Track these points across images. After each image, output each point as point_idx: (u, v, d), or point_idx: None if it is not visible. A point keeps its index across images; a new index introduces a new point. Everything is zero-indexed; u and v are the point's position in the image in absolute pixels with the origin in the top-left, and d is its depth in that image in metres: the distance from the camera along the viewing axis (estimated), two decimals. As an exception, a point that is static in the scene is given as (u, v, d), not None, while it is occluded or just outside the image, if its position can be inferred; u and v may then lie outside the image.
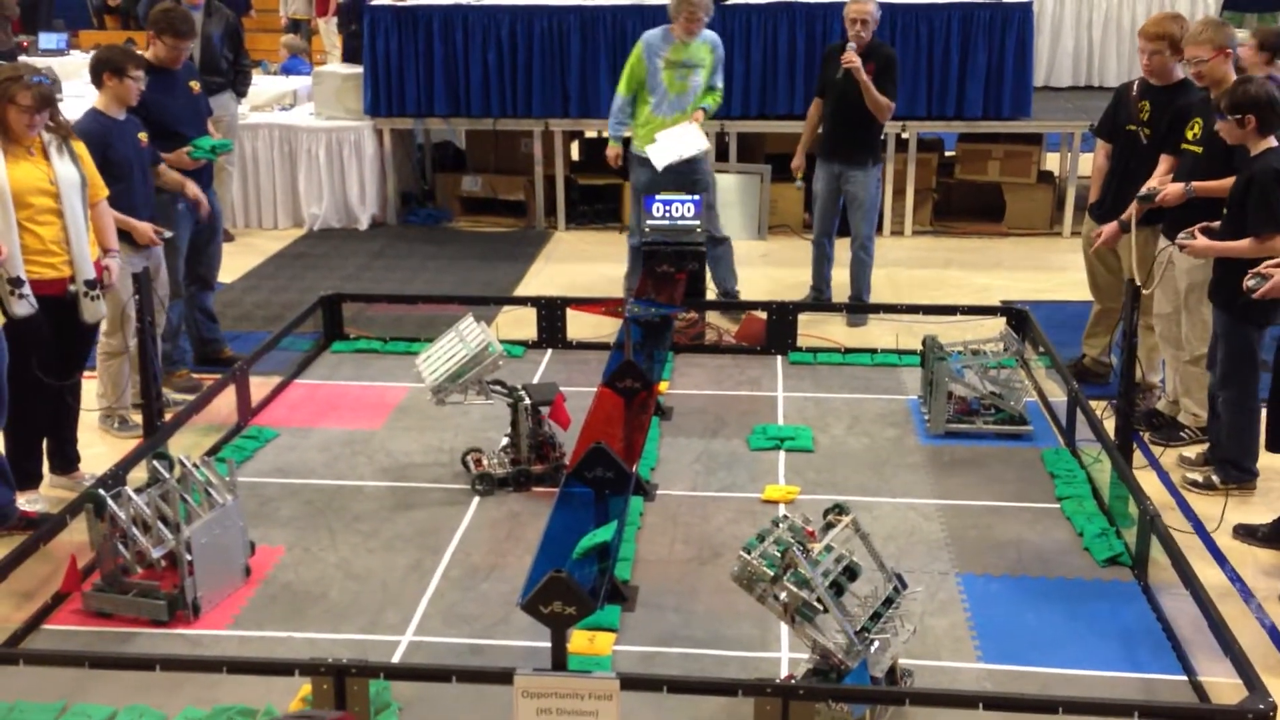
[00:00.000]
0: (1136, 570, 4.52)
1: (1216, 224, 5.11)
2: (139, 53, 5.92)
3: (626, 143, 7.47)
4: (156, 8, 6.28)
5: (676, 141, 7.06)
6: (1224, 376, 5.15)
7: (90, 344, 5.29)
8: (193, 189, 6.02)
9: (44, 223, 4.74)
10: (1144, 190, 5.55)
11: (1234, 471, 5.21)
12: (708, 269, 7.34)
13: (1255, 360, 5.13)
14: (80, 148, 4.98)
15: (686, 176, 7.15)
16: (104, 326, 5.60)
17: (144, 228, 5.59)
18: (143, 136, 5.71)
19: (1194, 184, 5.29)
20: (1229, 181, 5.09)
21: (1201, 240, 5.05)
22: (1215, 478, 5.26)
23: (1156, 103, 5.82)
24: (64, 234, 4.78)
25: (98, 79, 5.55)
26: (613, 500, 4.34)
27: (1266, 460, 5.11)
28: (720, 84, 7.33)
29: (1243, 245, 4.91)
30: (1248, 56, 6.99)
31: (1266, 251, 4.88)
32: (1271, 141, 4.92)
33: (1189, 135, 5.50)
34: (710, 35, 7.26)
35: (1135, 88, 6.00)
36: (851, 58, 6.96)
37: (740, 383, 6.43)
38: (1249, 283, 4.55)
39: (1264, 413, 4.90)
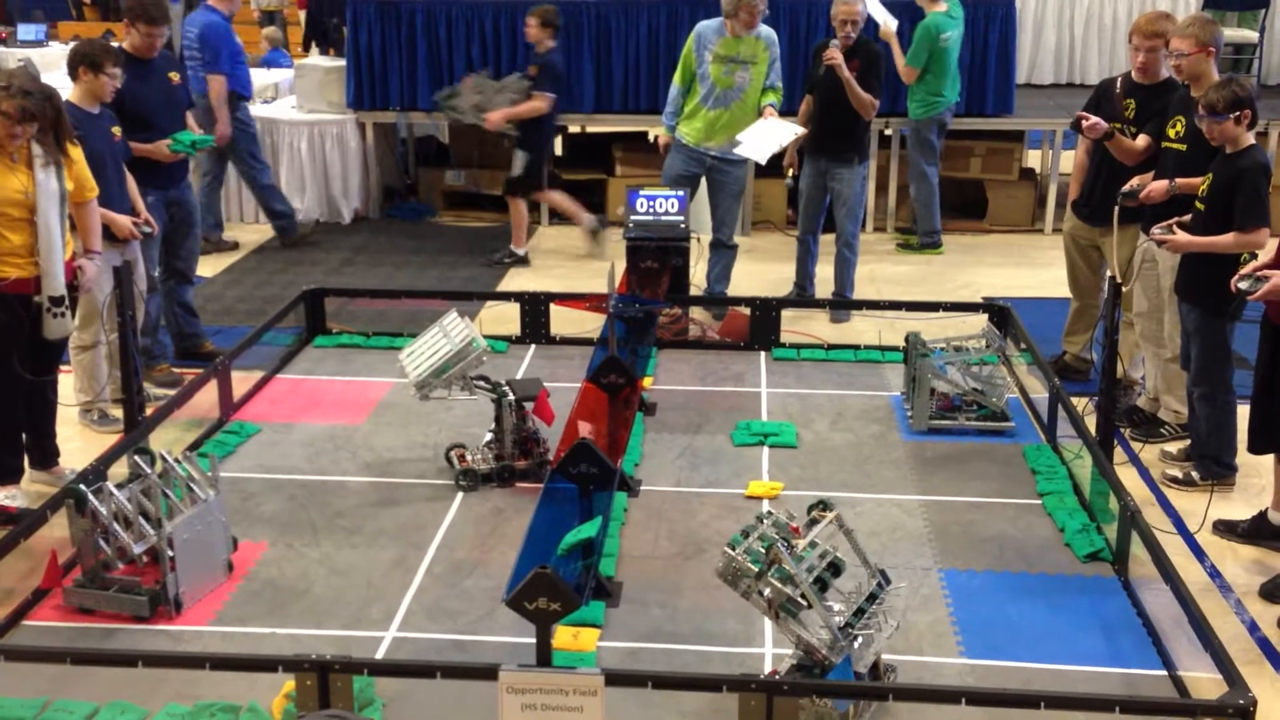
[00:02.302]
0: (1117, 566, 4.55)
1: (1188, 217, 5.14)
2: (117, 45, 5.86)
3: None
4: None
5: (766, 136, 6.92)
6: (1198, 372, 5.19)
7: (65, 341, 5.22)
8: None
9: (15, 229, 4.70)
10: (1126, 187, 5.57)
11: (1214, 467, 5.24)
12: (705, 271, 7.35)
13: (1229, 354, 5.16)
14: (75, 153, 4.92)
15: (718, 178, 7.16)
16: (75, 325, 5.55)
17: (123, 221, 5.54)
18: (116, 131, 5.65)
19: (1178, 181, 5.32)
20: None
21: (1182, 235, 5.07)
22: (1195, 474, 5.29)
23: (1142, 101, 5.84)
24: (34, 241, 4.73)
25: (73, 72, 5.49)
26: (597, 496, 4.35)
27: (1246, 456, 5.14)
28: (780, 83, 7.18)
29: (1226, 239, 4.94)
30: (531, 34, 7.94)
31: (1248, 245, 4.92)
32: (1250, 137, 4.97)
33: (1170, 133, 5.52)
34: (766, 32, 7.09)
35: (1119, 85, 6.01)
36: (833, 54, 6.97)
37: (724, 378, 6.44)
38: (1241, 285, 4.54)
39: (1245, 411, 4.93)
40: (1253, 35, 10.91)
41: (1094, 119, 5.81)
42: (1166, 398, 5.74)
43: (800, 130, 7.01)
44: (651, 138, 9.43)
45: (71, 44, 11.41)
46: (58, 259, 4.77)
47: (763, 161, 7.01)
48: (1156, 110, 5.70)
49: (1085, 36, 11.35)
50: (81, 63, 5.46)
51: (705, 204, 7.47)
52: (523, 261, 8.58)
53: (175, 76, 6.30)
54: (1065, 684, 3.87)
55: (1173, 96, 5.64)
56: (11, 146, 4.67)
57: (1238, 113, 4.88)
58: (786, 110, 7.76)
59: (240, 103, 8.60)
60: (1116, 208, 5.68)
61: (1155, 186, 5.39)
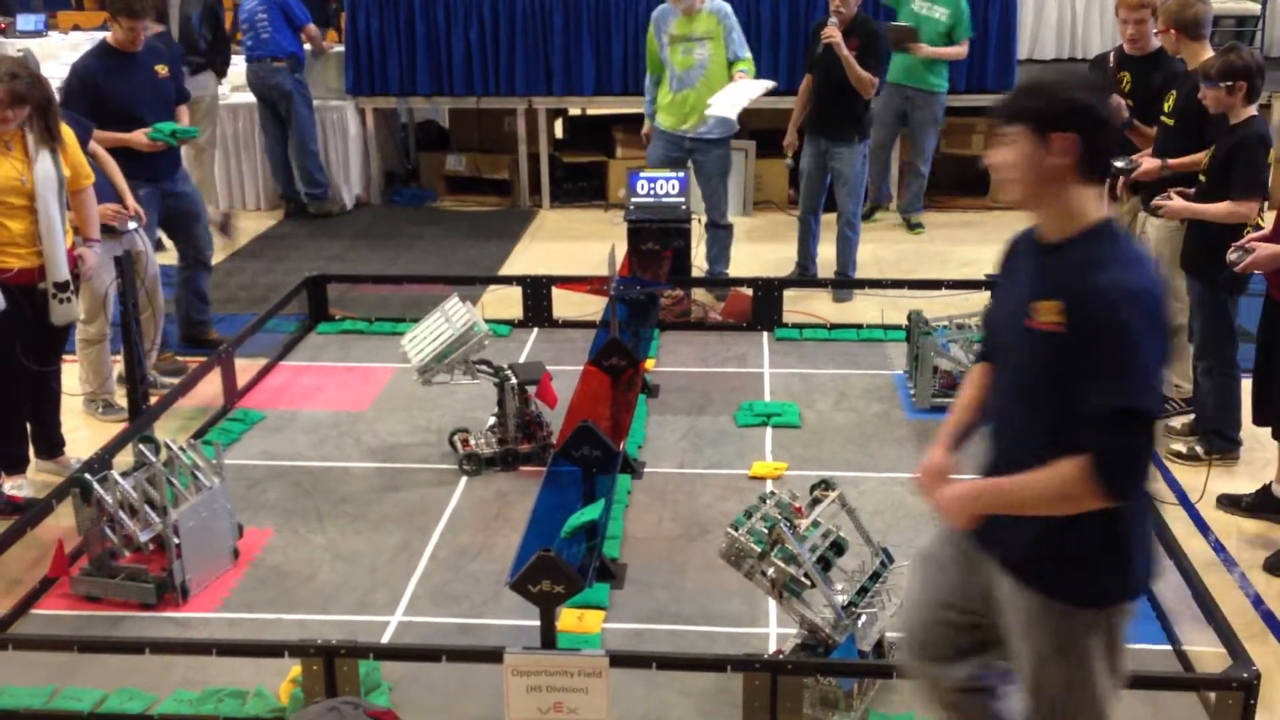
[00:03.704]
0: (1121, 541, 4.54)
1: (1191, 190, 5.13)
2: (103, 38, 5.82)
3: None
4: None
5: (735, 94, 6.78)
6: (1201, 345, 5.19)
7: (68, 330, 5.22)
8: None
9: (14, 217, 4.68)
10: (1121, 163, 5.53)
11: (1218, 441, 5.24)
12: (704, 252, 7.34)
13: (1232, 327, 5.15)
14: (69, 138, 4.91)
15: (701, 158, 7.13)
16: (82, 315, 5.55)
17: (103, 208, 5.34)
18: None
19: (1170, 162, 5.29)
20: (1200, 157, 5.11)
21: (1178, 201, 5.08)
22: (1199, 448, 5.29)
23: (1136, 74, 5.83)
24: (35, 229, 4.72)
25: None
26: (600, 478, 4.35)
27: (1250, 429, 5.14)
28: (746, 53, 7.06)
29: (1220, 208, 4.94)
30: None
31: (1240, 217, 4.91)
32: (1253, 109, 4.95)
33: (1165, 107, 5.49)
34: (718, 5, 7.02)
35: (1113, 59, 6.00)
36: (831, 32, 6.93)
37: (726, 359, 6.44)
38: (1231, 256, 4.56)
39: (1248, 384, 4.92)
40: (1255, 7, 10.85)
41: (1118, 102, 5.75)
42: (1167, 373, 5.72)
43: (769, 84, 6.88)
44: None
45: (71, 34, 11.44)
46: (59, 244, 4.76)
47: (732, 117, 6.88)
48: (1157, 85, 5.67)
49: (1087, 11, 11.29)
50: None
51: None
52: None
53: (162, 69, 6.23)
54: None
55: (1169, 69, 5.62)
56: (3, 131, 4.65)
57: (1230, 82, 4.86)
58: (785, 90, 7.75)
59: (300, 67, 9.05)
60: (1107, 180, 5.63)
61: (1149, 165, 5.37)
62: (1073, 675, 2.63)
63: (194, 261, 6.46)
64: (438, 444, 5.40)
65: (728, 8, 7.07)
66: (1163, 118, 5.50)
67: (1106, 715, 2.66)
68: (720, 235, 7.36)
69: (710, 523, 4.71)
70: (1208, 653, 3.79)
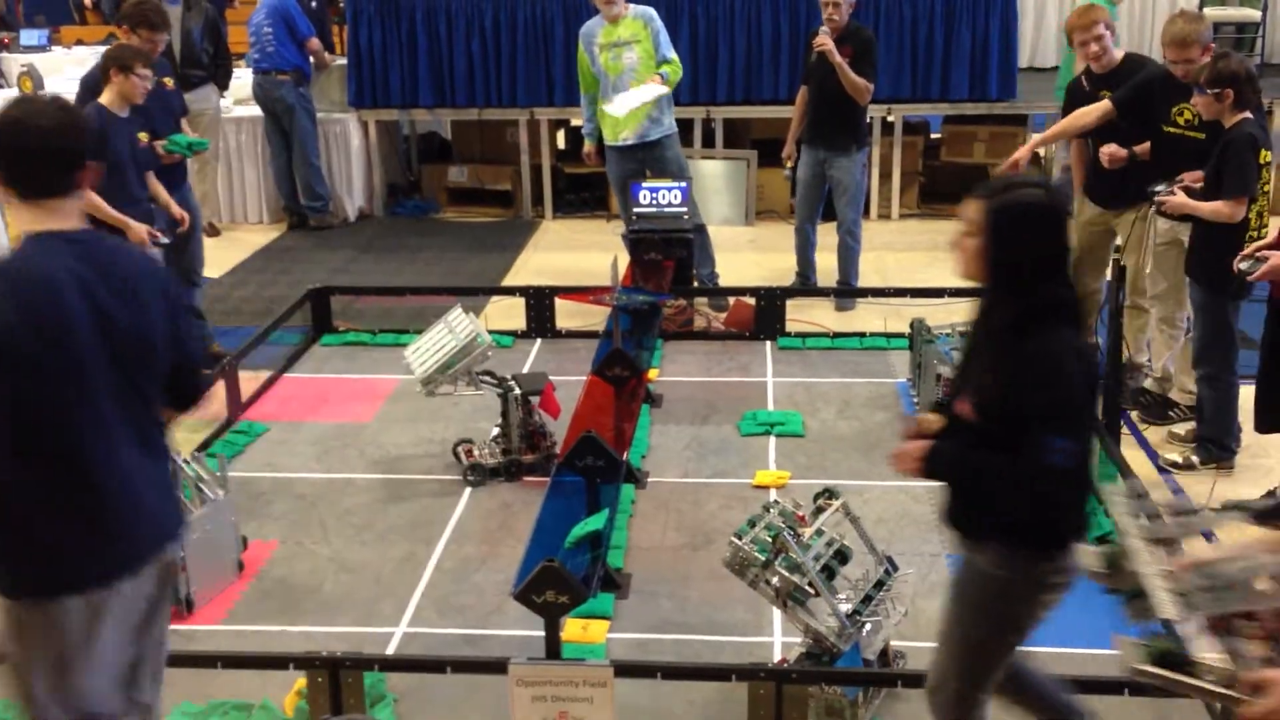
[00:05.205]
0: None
1: (1198, 186, 5.12)
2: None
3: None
4: (128, 1, 6.22)
5: (632, 96, 6.95)
6: (1200, 351, 5.18)
7: None
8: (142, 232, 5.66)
9: None
10: (1161, 187, 5.35)
11: (1214, 450, 5.23)
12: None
13: (1232, 333, 5.14)
14: None
15: (655, 164, 7.14)
16: None
17: (139, 229, 5.52)
18: (143, 136, 5.66)
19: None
20: None
21: (1180, 196, 5.08)
22: (1195, 458, 5.27)
23: (1114, 87, 5.73)
24: None
25: (105, 75, 5.52)
26: (604, 488, 4.36)
27: (1252, 437, 5.13)
28: (672, 55, 7.10)
29: (1215, 206, 4.95)
30: None
31: (1227, 216, 4.92)
32: (1245, 114, 4.96)
33: (1180, 121, 5.45)
34: (641, 10, 7.11)
35: (1085, 83, 5.88)
36: (823, 40, 6.93)
37: (730, 369, 6.45)
38: (1241, 265, 4.55)
39: (1247, 390, 4.92)
40: (1255, 14, 10.86)
41: (1111, 149, 5.67)
42: (1182, 378, 5.71)
43: (661, 90, 6.93)
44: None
45: (74, 49, 11.48)
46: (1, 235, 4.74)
47: (617, 113, 6.94)
48: (1139, 85, 5.59)
49: (1087, 19, 11.31)
50: (113, 64, 5.51)
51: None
52: None
53: (169, 81, 6.29)
54: (1073, 666, 3.87)
55: (1143, 72, 5.59)
56: None
57: (1218, 89, 4.86)
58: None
59: (305, 81, 9.15)
60: (1153, 206, 5.48)
61: (1194, 177, 5.25)
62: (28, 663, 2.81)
63: (184, 281, 6.47)
64: (442, 455, 5.41)
65: (652, 11, 7.15)
66: (1179, 130, 5.43)
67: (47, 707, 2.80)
68: (699, 238, 7.34)
69: (714, 532, 4.72)
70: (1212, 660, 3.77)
